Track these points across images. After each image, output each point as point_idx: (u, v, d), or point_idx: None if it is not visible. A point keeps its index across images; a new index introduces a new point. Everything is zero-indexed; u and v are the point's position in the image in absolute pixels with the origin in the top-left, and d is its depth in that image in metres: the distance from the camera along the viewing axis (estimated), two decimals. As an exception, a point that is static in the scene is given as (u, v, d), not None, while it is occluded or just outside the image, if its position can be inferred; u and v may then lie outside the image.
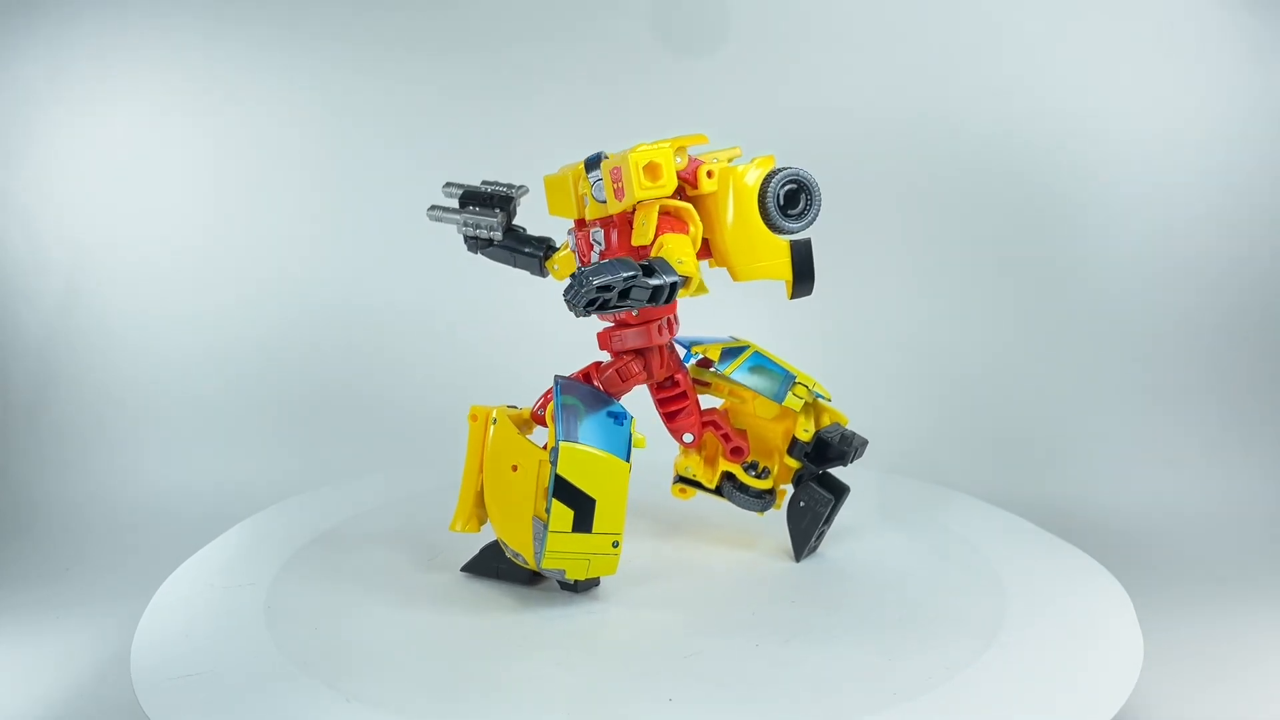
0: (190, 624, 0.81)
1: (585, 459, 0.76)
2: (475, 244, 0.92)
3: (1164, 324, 1.49)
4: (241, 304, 1.59)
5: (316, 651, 0.75)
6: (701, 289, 0.86)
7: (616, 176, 0.77)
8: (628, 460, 0.77)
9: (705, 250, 0.80)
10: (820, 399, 0.87)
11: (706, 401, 0.90)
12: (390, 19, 1.58)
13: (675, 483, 0.92)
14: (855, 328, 1.55)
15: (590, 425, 0.78)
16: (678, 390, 0.87)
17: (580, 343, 0.87)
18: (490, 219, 0.89)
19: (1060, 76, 1.51)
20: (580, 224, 0.85)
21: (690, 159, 0.79)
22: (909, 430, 1.45)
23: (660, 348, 0.84)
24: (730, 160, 0.80)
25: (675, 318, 0.85)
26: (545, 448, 0.78)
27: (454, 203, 0.91)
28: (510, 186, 0.90)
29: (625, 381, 0.83)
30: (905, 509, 1.03)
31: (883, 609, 0.81)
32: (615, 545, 0.78)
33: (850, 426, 0.88)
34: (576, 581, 0.82)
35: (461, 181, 0.92)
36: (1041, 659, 0.73)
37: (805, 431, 0.86)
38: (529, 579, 0.85)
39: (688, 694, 0.69)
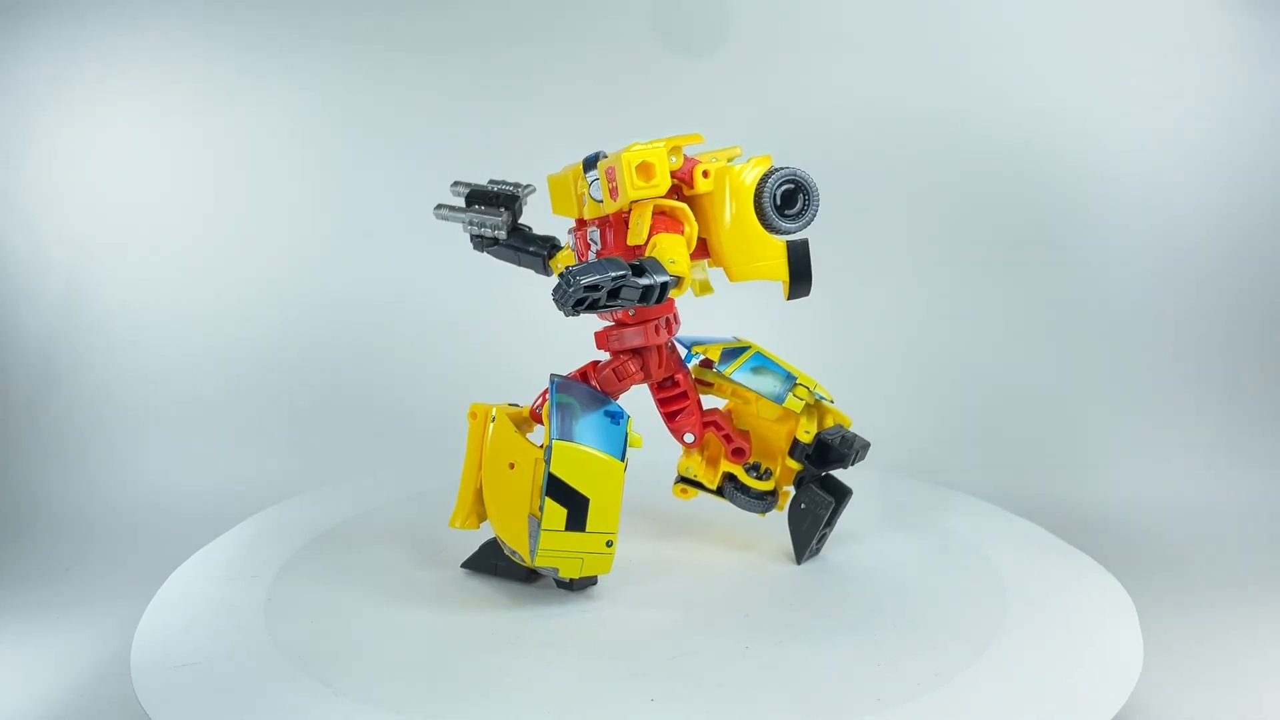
0: (191, 623, 0.81)
1: (579, 458, 0.76)
2: (481, 243, 0.92)
3: (1165, 324, 1.49)
4: (242, 304, 1.59)
5: (317, 650, 0.75)
6: (707, 289, 0.86)
7: (611, 176, 0.77)
8: (623, 460, 0.77)
9: (703, 250, 0.80)
10: (822, 400, 0.87)
11: (710, 402, 0.89)
12: (391, 19, 1.58)
13: (677, 483, 0.92)
14: (856, 328, 1.55)
15: (586, 424, 0.78)
16: (678, 390, 0.87)
17: (583, 342, 0.87)
18: (495, 218, 0.89)
19: (1061, 76, 1.51)
20: (580, 224, 0.85)
21: (686, 159, 0.78)
22: (910, 430, 1.44)
23: (659, 347, 0.84)
24: (730, 160, 0.79)
25: (675, 317, 0.85)
26: (542, 446, 0.78)
27: (461, 201, 0.91)
28: (517, 186, 0.90)
29: (622, 381, 0.83)
30: (906, 509, 1.03)
31: (881, 611, 0.81)
32: (609, 545, 0.78)
33: (852, 427, 0.88)
34: (572, 580, 0.82)
35: (469, 180, 0.92)
36: (1041, 659, 0.73)
37: (806, 433, 0.86)
38: (526, 576, 0.86)
39: (671, 694, 0.69)
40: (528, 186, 0.91)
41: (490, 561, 0.87)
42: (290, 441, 1.51)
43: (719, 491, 0.90)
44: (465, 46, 1.58)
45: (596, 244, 0.82)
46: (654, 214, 0.77)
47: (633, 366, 0.83)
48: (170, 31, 1.57)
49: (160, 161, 1.59)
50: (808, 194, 0.77)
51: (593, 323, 0.85)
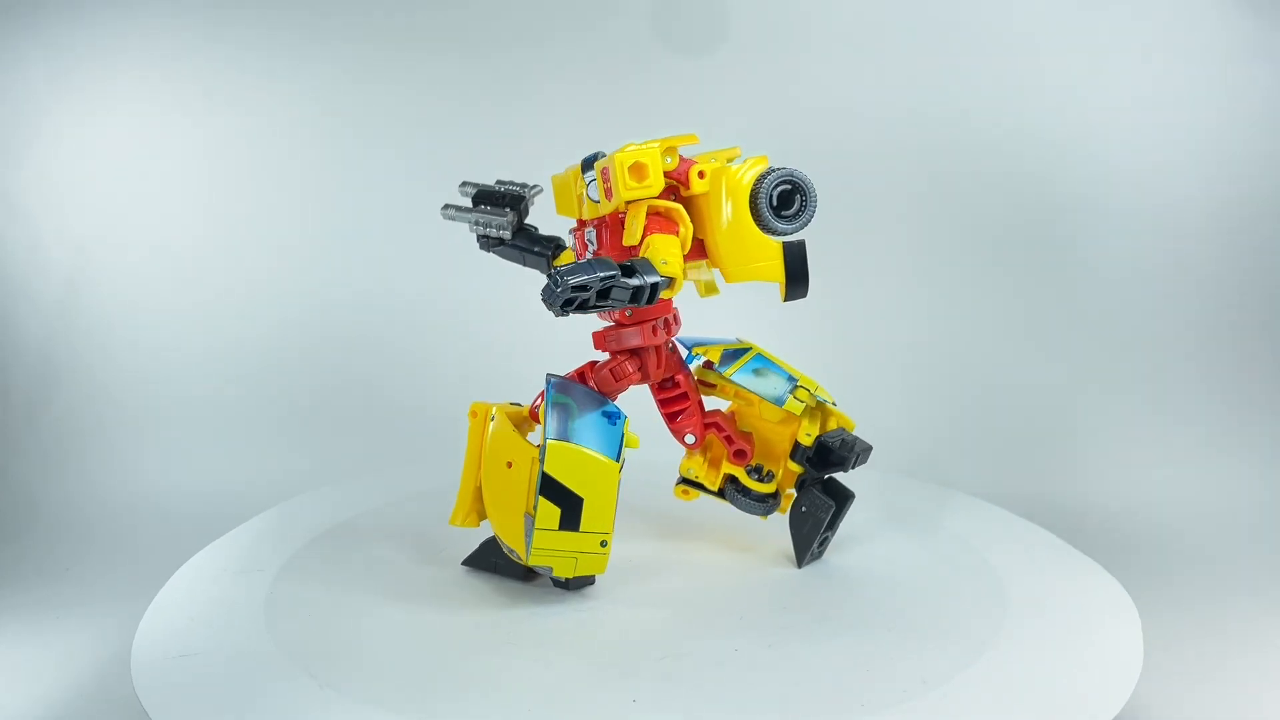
0: (191, 623, 0.81)
1: (574, 457, 0.76)
2: (487, 243, 0.92)
3: (1165, 324, 1.49)
4: (242, 304, 1.60)
5: (317, 650, 0.76)
6: (713, 290, 0.86)
7: (606, 177, 0.77)
8: (618, 460, 0.77)
9: (700, 251, 0.80)
10: (825, 403, 0.87)
11: (714, 403, 0.89)
12: (391, 20, 1.58)
13: (678, 484, 0.91)
14: (856, 329, 1.54)
15: (582, 424, 0.78)
16: (678, 391, 0.86)
17: (585, 342, 0.87)
18: (501, 218, 0.89)
19: (1061, 76, 1.51)
20: (580, 224, 0.85)
21: (682, 159, 0.78)
22: (910, 430, 1.44)
23: (658, 348, 0.84)
24: (729, 161, 0.79)
25: (675, 318, 0.84)
26: (538, 446, 0.78)
27: (468, 202, 0.91)
28: (523, 186, 0.90)
29: (619, 381, 0.83)
30: (906, 510, 1.03)
31: (880, 612, 0.81)
32: (603, 545, 0.78)
33: (854, 429, 0.88)
34: (569, 579, 0.82)
35: (477, 180, 0.92)
36: (1042, 660, 0.73)
37: (808, 436, 0.86)
38: (525, 574, 0.86)
39: (655, 695, 0.69)
40: (534, 187, 0.91)
41: (490, 559, 0.87)
42: (290, 441, 1.51)
43: (720, 493, 0.90)
44: (466, 47, 1.58)
45: (594, 244, 0.82)
46: (649, 214, 0.76)
47: (630, 367, 0.83)
48: (171, 33, 1.57)
49: (160, 161, 1.59)
50: (805, 195, 0.77)
51: (594, 322, 0.85)
